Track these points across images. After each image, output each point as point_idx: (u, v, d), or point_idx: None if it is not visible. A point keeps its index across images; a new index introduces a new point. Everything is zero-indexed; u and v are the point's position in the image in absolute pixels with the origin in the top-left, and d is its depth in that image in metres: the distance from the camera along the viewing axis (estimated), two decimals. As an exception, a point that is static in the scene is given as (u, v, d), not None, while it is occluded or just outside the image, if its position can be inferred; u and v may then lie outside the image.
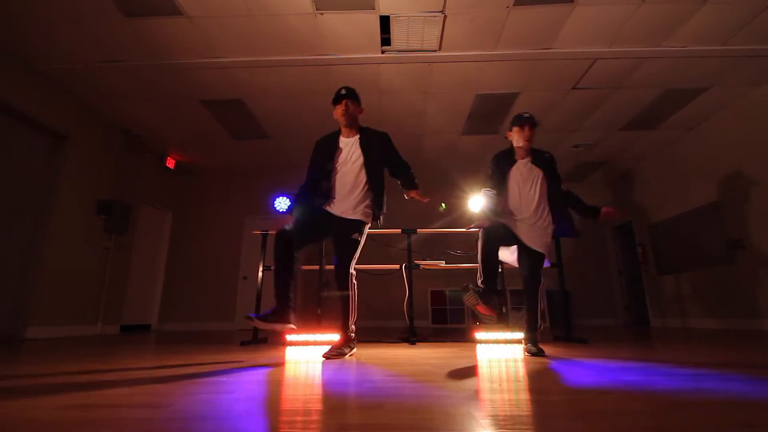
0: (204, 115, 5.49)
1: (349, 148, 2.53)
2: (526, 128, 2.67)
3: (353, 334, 2.50)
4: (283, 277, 2.25)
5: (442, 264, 3.86)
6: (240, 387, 1.40)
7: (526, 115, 2.71)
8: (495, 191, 2.72)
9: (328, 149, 2.55)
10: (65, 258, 4.78)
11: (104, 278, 5.38)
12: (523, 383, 1.47)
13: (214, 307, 6.97)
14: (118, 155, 5.70)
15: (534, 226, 2.61)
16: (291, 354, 2.65)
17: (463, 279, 6.21)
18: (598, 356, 2.28)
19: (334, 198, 2.47)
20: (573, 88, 4.88)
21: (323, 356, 2.32)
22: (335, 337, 3.41)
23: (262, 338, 3.74)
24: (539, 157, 2.74)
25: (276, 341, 3.68)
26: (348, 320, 2.48)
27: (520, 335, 3.29)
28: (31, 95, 4.37)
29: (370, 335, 4.43)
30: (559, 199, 2.71)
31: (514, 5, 3.59)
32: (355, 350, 2.51)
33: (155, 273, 6.67)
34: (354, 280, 2.50)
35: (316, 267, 3.86)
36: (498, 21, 3.79)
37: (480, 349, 2.91)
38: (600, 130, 5.95)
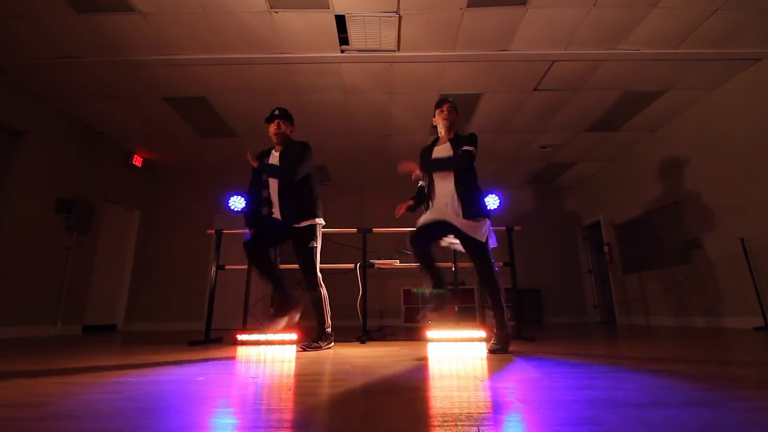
0: (168, 113, 5.42)
1: (276, 160, 2.88)
2: (445, 107, 2.70)
3: (329, 329, 2.90)
4: (274, 281, 2.85)
5: (396, 263, 3.88)
6: (135, 388, 1.40)
7: (445, 96, 2.84)
8: (425, 183, 2.79)
9: (263, 160, 2.91)
10: (21, 257, 4.68)
11: (64, 278, 5.29)
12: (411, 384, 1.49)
13: (183, 306, 6.91)
14: (80, 153, 5.60)
15: (460, 210, 2.56)
16: (240, 353, 2.64)
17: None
18: (529, 353, 2.32)
19: (276, 204, 2.84)
20: (535, 90, 4.93)
21: (300, 348, 2.73)
22: (288, 336, 3.41)
23: (216, 338, 3.72)
24: (458, 139, 2.68)
25: (228, 341, 3.66)
26: (324, 318, 2.86)
27: (480, 333, 3.32)
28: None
29: (335, 334, 4.43)
30: (470, 187, 2.63)
31: (467, 6, 3.62)
32: (332, 344, 2.91)
33: (121, 272, 6.58)
34: (320, 281, 2.87)
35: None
36: (453, 22, 3.81)
37: (428, 348, 2.94)
38: (565, 132, 6.03)
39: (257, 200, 2.92)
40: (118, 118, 5.55)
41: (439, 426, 0.89)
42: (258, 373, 1.69)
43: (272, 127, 2.88)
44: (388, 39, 4.02)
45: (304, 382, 1.49)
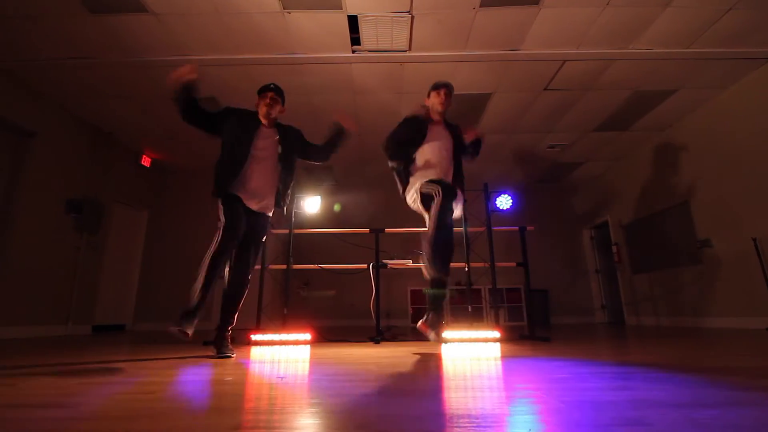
0: (178, 113, 5.42)
1: (268, 136, 2.56)
2: (442, 92, 2.76)
3: None
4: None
5: (410, 263, 3.88)
6: (165, 388, 1.39)
7: (444, 81, 2.82)
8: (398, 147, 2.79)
9: (248, 128, 2.50)
10: (32, 257, 4.70)
11: (74, 278, 5.30)
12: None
13: (190, 306, 6.90)
14: (90, 153, 5.62)
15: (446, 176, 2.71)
16: (254, 353, 2.63)
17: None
18: (548, 354, 2.31)
19: (248, 184, 2.44)
20: (545, 89, 4.92)
21: (220, 353, 2.35)
22: (301, 336, 3.41)
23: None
24: (450, 125, 2.84)
25: (241, 341, 3.65)
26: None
27: (495, 334, 3.31)
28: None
29: (341, 334, 4.44)
30: (461, 167, 2.83)
31: (480, 6, 3.61)
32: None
33: (130, 272, 6.59)
34: None
35: (284, 266, 3.84)
36: (466, 22, 3.81)
37: (443, 348, 2.92)
38: (574, 131, 6.02)
39: (229, 166, 2.44)
40: (127, 119, 5.56)
41: (487, 427, 0.88)
42: (285, 374, 1.68)
43: (266, 98, 2.56)
44: (400, 39, 4.01)
45: (333, 383, 1.48)
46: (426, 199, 2.58)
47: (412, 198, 2.73)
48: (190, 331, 2.20)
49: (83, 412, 1.06)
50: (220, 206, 2.41)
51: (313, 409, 1.07)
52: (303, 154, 2.78)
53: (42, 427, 0.93)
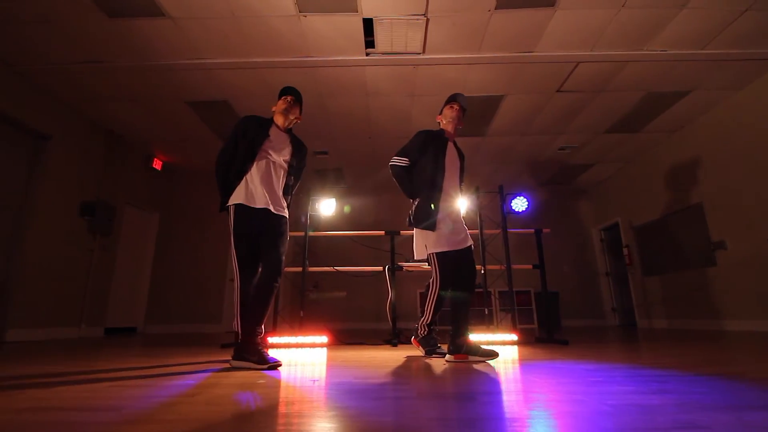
0: (190, 116, 5.46)
1: (282, 141, 2.43)
2: (457, 106, 2.61)
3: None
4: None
5: (425, 266, 3.87)
6: (204, 390, 1.40)
7: (458, 93, 2.66)
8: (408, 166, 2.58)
9: (260, 132, 2.38)
10: (47, 260, 4.73)
11: (87, 280, 5.33)
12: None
13: (201, 309, 6.93)
14: (103, 156, 5.65)
15: (459, 217, 2.52)
16: (273, 356, 2.63)
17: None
18: (570, 357, 2.30)
19: (258, 185, 2.27)
20: (557, 91, 4.91)
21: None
22: (319, 339, 3.42)
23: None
24: (458, 147, 2.68)
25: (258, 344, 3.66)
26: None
27: (512, 336, 3.31)
28: (7, 94, 4.31)
29: (356, 337, 4.44)
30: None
31: (495, 8, 3.61)
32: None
33: (141, 275, 6.61)
34: None
35: (299, 269, 3.85)
36: (480, 24, 3.81)
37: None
38: (585, 133, 6.00)
39: (236, 170, 2.30)
40: (139, 122, 5.59)
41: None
42: (318, 377, 1.68)
43: (286, 100, 2.48)
44: (414, 42, 4.02)
45: (366, 385, 1.48)
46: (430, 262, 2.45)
47: (422, 246, 2.47)
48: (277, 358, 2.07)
49: (129, 415, 1.06)
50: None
51: (353, 413, 1.07)
52: (294, 171, 2.54)
53: (96, 429, 0.93)
